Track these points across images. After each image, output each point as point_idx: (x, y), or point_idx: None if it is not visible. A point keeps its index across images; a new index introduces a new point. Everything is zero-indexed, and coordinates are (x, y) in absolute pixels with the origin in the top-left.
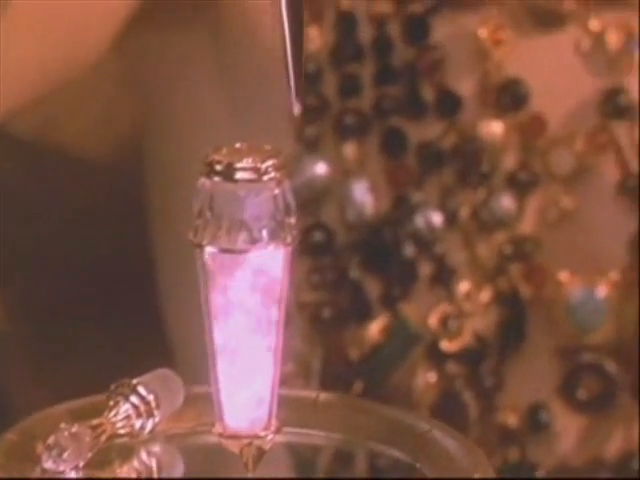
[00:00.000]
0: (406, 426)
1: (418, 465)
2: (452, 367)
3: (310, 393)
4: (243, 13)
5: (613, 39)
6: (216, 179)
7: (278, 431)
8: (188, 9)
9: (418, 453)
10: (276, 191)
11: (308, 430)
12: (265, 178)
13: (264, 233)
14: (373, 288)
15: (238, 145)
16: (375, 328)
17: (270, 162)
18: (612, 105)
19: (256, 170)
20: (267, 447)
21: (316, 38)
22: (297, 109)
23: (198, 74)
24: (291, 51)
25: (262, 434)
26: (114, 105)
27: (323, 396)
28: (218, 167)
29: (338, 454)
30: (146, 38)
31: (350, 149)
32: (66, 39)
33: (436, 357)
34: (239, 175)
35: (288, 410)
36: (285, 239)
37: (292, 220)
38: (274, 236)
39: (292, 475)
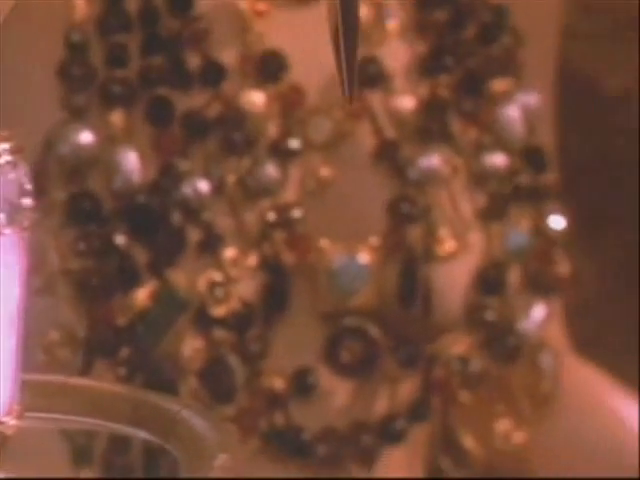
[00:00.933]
0: (156, 408)
1: (167, 446)
2: (219, 333)
3: (58, 377)
4: None
5: (365, 11)
6: None
7: (20, 416)
8: None
9: (168, 434)
10: (11, 175)
11: (56, 415)
12: None
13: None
14: (141, 255)
15: None
16: (142, 295)
17: (4, 146)
18: (366, 74)
19: None
20: (9, 432)
21: (83, 8)
22: (350, 103)
23: None
24: (345, 54)
25: (3, 420)
26: None
27: (72, 380)
28: None
29: (113, 439)
30: None
31: (117, 118)
32: None
33: (203, 323)
34: None
35: (35, 395)
36: (22, 223)
37: (28, 204)
38: (10, 220)
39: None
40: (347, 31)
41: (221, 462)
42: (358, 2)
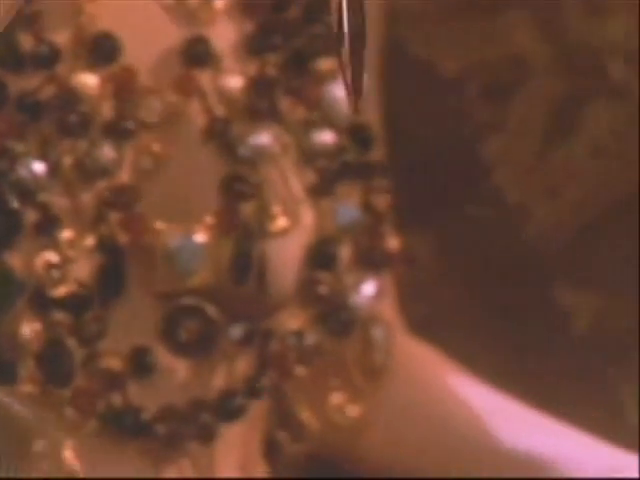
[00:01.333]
0: None
1: None
2: (56, 315)
3: None
4: None
5: None
6: None
7: None
8: None
9: None
10: None
11: None
12: None
13: None
14: None
15: None
16: None
17: None
18: (195, 54)
19: None
20: None
21: None
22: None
23: None
24: (350, 60)
25: None
26: None
27: None
28: None
29: None
30: None
31: None
32: None
33: (41, 305)
34: None
35: None
36: None
37: None
38: None
39: None
40: (353, 38)
41: (39, 448)
42: (364, 9)
